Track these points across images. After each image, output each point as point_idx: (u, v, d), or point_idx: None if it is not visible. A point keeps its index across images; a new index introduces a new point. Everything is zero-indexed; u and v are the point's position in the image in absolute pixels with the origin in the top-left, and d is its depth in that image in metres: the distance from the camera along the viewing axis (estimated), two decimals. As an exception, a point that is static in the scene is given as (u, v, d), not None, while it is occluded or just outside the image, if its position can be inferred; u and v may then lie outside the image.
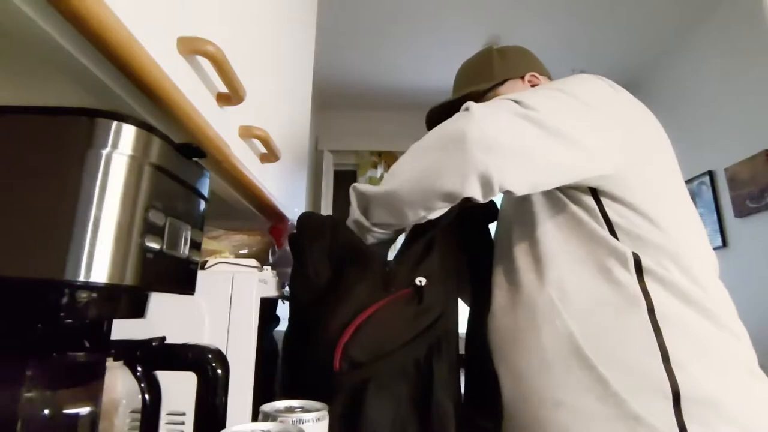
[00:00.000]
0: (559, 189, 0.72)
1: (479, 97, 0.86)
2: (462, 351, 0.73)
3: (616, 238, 0.67)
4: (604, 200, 0.69)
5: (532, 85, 0.86)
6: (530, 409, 0.66)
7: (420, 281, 0.69)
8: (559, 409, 0.63)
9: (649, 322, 0.62)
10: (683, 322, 0.62)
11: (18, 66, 0.38)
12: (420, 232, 0.73)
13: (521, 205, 0.77)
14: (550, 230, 0.72)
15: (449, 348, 0.69)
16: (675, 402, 0.58)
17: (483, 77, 0.90)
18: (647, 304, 0.63)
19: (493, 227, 0.88)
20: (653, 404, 0.58)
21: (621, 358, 0.61)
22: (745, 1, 2.21)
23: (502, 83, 0.87)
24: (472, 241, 0.84)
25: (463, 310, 0.79)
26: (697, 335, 0.62)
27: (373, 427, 0.62)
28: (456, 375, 0.69)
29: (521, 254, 0.74)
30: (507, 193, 0.65)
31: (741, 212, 2.19)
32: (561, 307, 0.67)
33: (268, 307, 0.74)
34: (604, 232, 0.67)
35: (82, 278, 0.32)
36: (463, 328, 0.78)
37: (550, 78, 0.91)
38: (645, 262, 0.64)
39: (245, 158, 0.66)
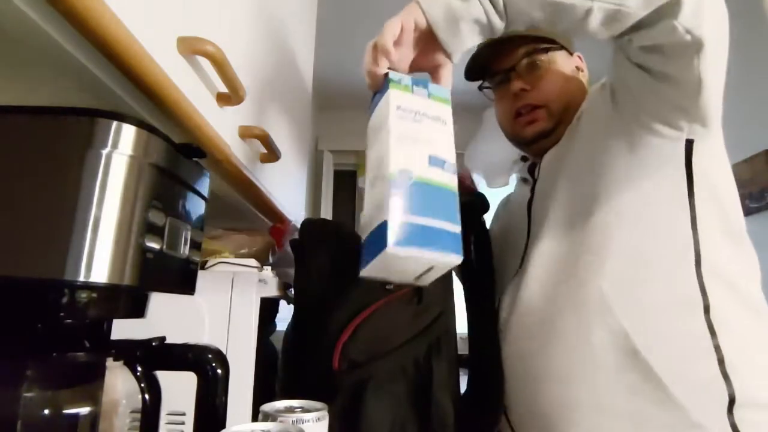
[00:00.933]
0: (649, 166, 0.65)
1: (538, 49, 0.79)
2: (461, 351, 0.72)
3: (695, 230, 0.63)
4: (696, 170, 0.64)
5: (577, 66, 0.83)
6: (570, 414, 0.63)
7: (420, 281, 0.69)
8: (604, 414, 0.60)
9: (705, 323, 0.59)
10: (737, 323, 0.60)
11: (18, 66, 0.38)
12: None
13: (583, 183, 0.70)
14: (617, 218, 0.65)
15: (449, 347, 0.69)
16: (729, 407, 0.56)
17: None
18: (704, 304, 0.60)
19: (487, 220, 0.86)
20: (710, 409, 0.56)
21: (678, 361, 0.59)
22: (745, 1, 2.21)
23: (560, 48, 0.82)
24: (465, 238, 0.82)
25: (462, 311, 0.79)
26: (750, 337, 0.60)
27: (372, 426, 0.62)
28: (456, 374, 0.69)
29: (569, 240, 0.68)
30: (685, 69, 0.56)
31: (746, 211, 2.19)
32: (614, 302, 0.62)
33: (268, 307, 0.74)
34: (686, 222, 0.63)
35: (82, 278, 0.32)
36: (462, 328, 0.77)
37: None
38: (705, 256, 0.61)
39: (245, 158, 0.66)
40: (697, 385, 0.58)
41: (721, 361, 0.58)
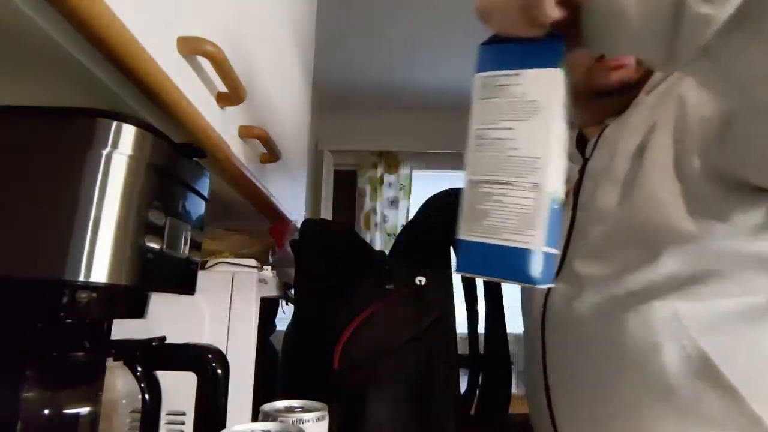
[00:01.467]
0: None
1: None
2: (461, 351, 0.72)
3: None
4: None
5: None
6: None
7: (420, 281, 0.69)
8: None
9: None
10: None
11: (17, 66, 0.38)
12: (419, 231, 0.73)
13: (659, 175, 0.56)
14: (688, 215, 0.54)
15: (449, 348, 0.69)
16: None
17: None
18: None
19: None
20: None
21: (758, 379, 0.52)
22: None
23: None
24: None
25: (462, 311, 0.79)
26: None
27: (372, 427, 0.62)
28: (456, 375, 0.69)
29: (626, 243, 0.57)
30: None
31: None
32: (687, 319, 0.53)
33: (268, 307, 0.74)
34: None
35: (82, 278, 0.32)
36: (462, 328, 0.77)
37: None
38: None
39: (245, 158, 0.66)
40: None
41: None
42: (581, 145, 0.69)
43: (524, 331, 0.73)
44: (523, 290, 0.72)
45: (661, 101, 0.60)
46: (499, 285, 0.79)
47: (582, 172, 0.66)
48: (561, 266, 0.64)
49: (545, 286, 0.41)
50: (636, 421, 0.56)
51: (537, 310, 0.67)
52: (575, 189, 0.66)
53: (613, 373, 0.57)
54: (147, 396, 0.44)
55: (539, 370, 0.66)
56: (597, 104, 0.67)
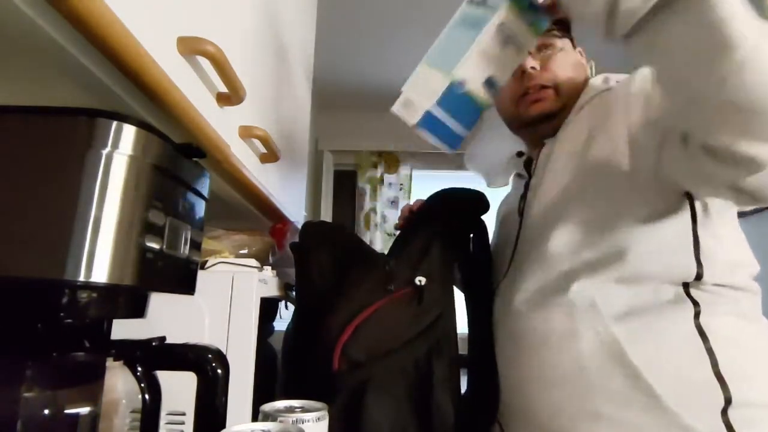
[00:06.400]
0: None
1: (553, 30, 0.78)
2: (461, 351, 0.72)
3: (697, 249, 0.61)
4: (698, 206, 0.63)
5: (579, 60, 0.81)
6: (563, 421, 0.62)
7: (420, 281, 0.69)
8: (599, 422, 0.60)
9: (695, 327, 0.59)
10: (729, 326, 0.60)
11: (18, 66, 0.38)
12: (419, 231, 0.73)
13: (593, 180, 0.67)
14: (622, 222, 0.63)
15: (449, 348, 0.69)
16: (724, 410, 0.55)
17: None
18: (694, 309, 0.60)
19: (485, 218, 0.85)
20: (704, 414, 0.55)
21: (668, 366, 0.58)
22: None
23: (570, 37, 0.80)
24: (466, 238, 0.82)
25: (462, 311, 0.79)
26: (741, 339, 0.60)
27: (372, 427, 0.62)
28: (456, 374, 0.69)
29: (562, 243, 0.66)
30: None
31: (742, 213, 2.19)
32: (603, 308, 0.62)
33: (268, 307, 0.74)
34: (687, 243, 0.62)
35: (82, 278, 0.32)
36: (462, 328, 0.77)
37: None
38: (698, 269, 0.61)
39: (245, 158, 0.66)
40: (691, 389, 0.57)
41: (714, 364, 0.57)
42: (528, 164, 0.81)
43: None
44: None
45: (593, 113, 0.71)
46: (489, 283, 0.79)
47: (527, 187, 0.78)
48: (508, 269, 0.75)
49: (437, 144, 0.59)
50: (555, 398, 0.63)
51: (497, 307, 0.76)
52: (520, 202, 0.78)
53: (542, 351, 0.65)
54: (147, 396, 0.44)
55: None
56: (531, 131, 0.79)
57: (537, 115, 0.76)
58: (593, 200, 0.66)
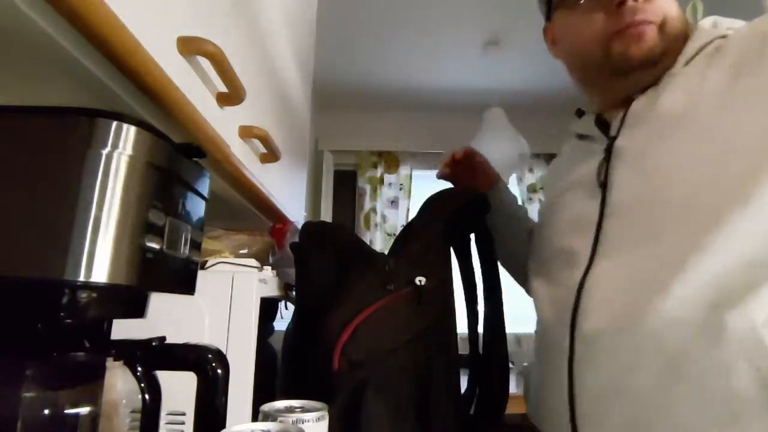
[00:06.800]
0: None
1: None
2: (462, 351, 0.72)
3: None
4: None
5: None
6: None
7: (420, 281, 0.69)
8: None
9: None
10: None
11: (17, 66, 0.38)
12: (419, 231, 0.73)
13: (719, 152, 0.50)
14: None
15: (449, 348, 0.69)
16: None
17: None
18: None
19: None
20: None
21: None
22: (744, 1, 2.21)
23: None
24: (466, 238, 0.82)
25: (462, 311, 0.79)
26: None
27: (372, 427, 0.62)
28: (456, 375, 0.69)
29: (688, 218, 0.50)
30: None
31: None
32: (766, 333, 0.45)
33: (268, 307, 0.74)
34: None
35: (82, 278, 0.32)
36: (462, 328, 0.77)
37: None
38: None
39: (245, 158, 0.66)
40: None
41: None
42: (602, 122, 0.66)
43: (539, 334, 0.69)
44: (540, 292, 0.69)
45: (709, 63, 0.55)
46: (499, 284, 0.79)
47: (609, 150, 0.61)
48: (593, 255, 0.57)
49: None
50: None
51: (565, 310, 0.59)
52: (600, 168, 0.61)
53: (674, 386, 0.49)
54: (147, 396, 0.44)
55: (560, 380, 0.58)
56: (618, 83, 0.63)
57: (641, 57, 0.59)
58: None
